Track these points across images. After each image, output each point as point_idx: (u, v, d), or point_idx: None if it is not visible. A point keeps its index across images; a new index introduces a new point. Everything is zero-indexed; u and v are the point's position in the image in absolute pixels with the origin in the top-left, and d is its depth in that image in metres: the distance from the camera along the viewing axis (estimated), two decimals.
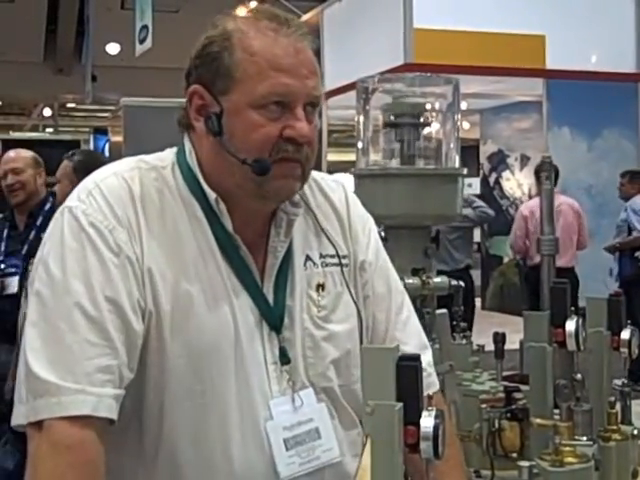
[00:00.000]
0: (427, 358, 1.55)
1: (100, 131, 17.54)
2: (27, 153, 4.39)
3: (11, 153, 4.43)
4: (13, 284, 4.07)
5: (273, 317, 1.40)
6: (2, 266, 4.12)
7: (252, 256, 1.40)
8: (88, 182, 1.39)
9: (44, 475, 1.21)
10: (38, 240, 4.33)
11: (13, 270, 4.10)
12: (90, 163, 3.95)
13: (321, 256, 1.47)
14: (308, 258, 1.46)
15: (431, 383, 1.53)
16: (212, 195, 1.37)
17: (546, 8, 8.80)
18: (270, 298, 1.41)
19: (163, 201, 1.38)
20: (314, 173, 1.49)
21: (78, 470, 1.21)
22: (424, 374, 1.50)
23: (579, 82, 8.78)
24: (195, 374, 1.33)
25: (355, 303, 1.48)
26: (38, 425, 1.23)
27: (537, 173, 7.34)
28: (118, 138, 7.43)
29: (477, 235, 11.79)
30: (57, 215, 1.36)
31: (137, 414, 1.33)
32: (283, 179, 1.35)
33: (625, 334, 1.82)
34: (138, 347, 1.30)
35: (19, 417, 1.25)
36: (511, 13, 8.75)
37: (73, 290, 1.28)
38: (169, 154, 1.46)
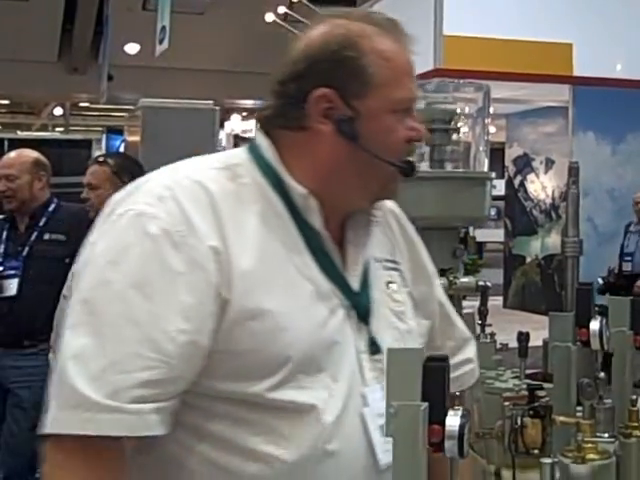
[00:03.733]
0: (473, 350, 1.67)
1: (114, 131, 17.51)
2: (27, 156, 4.23)
3: (11, 154, 4.29)
4: (12, 286, 4.03)
5: (361, 308, 1.39)
6: (0, 268, 4.05)
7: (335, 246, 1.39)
8: (154, 186, 1.30)
9: None
10: (40, 242, 4.14)
11: (12, 272, 4.05)
12: (129, 165, 3.93)
13: (381, 260, 1.48)
14: (375, 259, 1.47)
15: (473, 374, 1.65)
16: (302, 191, 1.34)
17: (574, 17, 8.90)
18: (357, 289, 1.39)
19: (242, 202, 1.32)
20: None
21: None
22: (472, 366, 1.64)
23: (605, 89, 8.85)
24: (291, 374, 1.28)
25: (413, 305, 1.50)
26: (61, 435, 1.17)
27: None
28: (135, 138, 7.39)
29: (501, 234, 11.89)
30: (111, 217, 1.28)
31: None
32: (397, 182, 1.41)
33: None
34: (199, 359, 1.23)
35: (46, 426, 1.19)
36: (539, 21, 8.83)
37: (128, 298, 1.20)
38: (239, 152, 1.42)
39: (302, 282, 1.33)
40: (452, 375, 1.54)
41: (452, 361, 1.54)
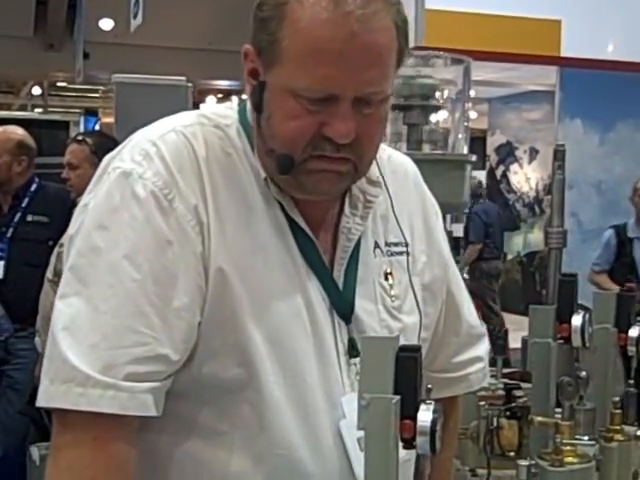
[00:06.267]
0: (485, 348, 1.62)
1: (91, 112, 17.55)
2: (12, 135, 4.30)
3: None
4: None
5: (343, 305, 1.31)
6: None
7: (319, 235, 1.30)
8: (141, 140, 1.24)
9: (65, 466, 1.14)
10: (24, 223, 4.45)
11: None
12: (108, 144, 3.95)
13: (386, 244, 1.39)
14: (376, 245, 1.38)
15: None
16: (262, 174, 1.25)
17: None
18: (340, 284, 1.31)
19: (230, 165, 1.25)
20: (382, 146, 1.36)
21: (102, 466, 1.14)
22: (481, 365, 1.59)
23: (595, 71, 8.75)
24: (272, 365, 1.23)
25: (415, 295, 1.41)
26: (61, 410, 1.14)
27: None
28: (109, 119, 7.39)
29: None
30: (103, 177, 1.23)
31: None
32: (321, 173, 1.22)
33: (633, 332, 1.83)
34: (190, 336, 1.18)
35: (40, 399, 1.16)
36: None
37: (118, 268, 1.15)
38: (230, 112, 1.32)
39: (281, 267, 1.26)
40: (458, 374, 1.60)
41: (457, 359, 1.59)
